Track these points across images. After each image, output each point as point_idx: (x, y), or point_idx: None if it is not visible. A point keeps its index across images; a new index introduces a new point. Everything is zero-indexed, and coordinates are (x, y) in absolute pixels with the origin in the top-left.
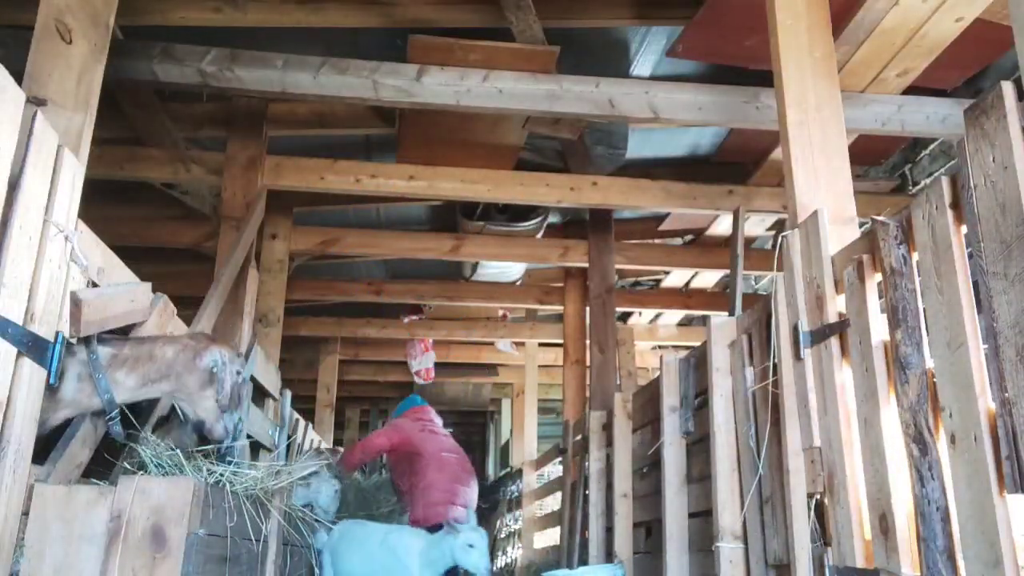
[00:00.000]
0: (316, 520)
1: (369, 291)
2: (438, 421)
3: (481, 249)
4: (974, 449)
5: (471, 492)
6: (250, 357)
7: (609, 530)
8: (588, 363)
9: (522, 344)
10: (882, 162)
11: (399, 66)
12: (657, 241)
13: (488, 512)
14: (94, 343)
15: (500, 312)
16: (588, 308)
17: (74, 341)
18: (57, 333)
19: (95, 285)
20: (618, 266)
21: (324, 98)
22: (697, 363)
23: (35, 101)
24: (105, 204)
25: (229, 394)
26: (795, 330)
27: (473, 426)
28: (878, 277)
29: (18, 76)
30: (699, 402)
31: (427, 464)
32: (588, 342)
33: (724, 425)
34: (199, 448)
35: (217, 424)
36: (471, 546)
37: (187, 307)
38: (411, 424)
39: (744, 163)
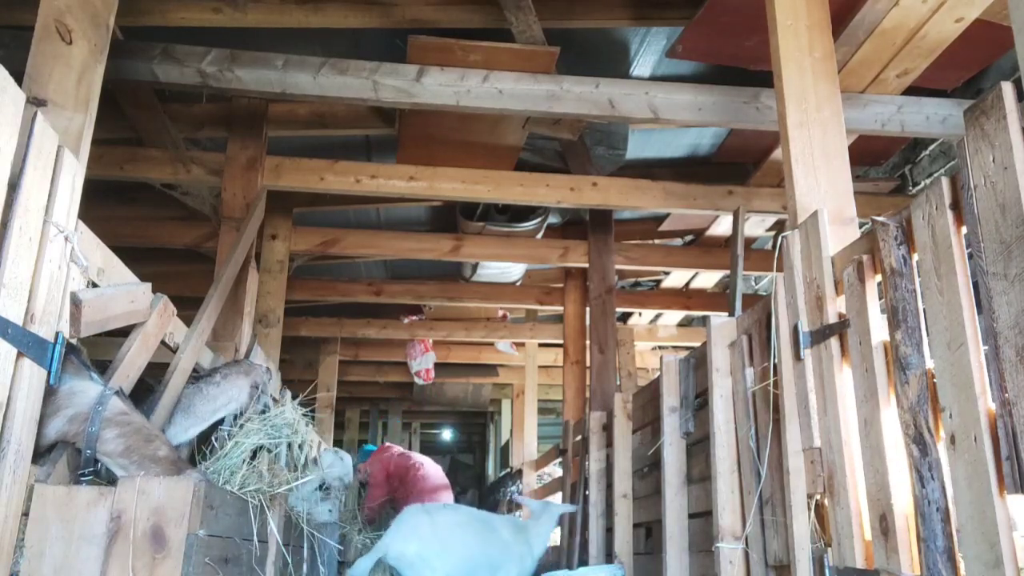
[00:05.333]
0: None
1: (369, 292)
2: (398, 448)
3: (481, 250)
4: (974, 449)
5: (450, 493)
6: (250, 358)
7: (609, 530)
8: (588, 363)
9: (522, 345)
10: (882, 162)
11: (399, 66)
12: (657, 242)
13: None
14: (112, 392)
15: (500, 312)
16: (588, 308)
17: (100, 381)
18: (57, 333)
19: (95, 285)
20: (618, 266)
21: (324, 99)
22: (697, 363)
23: (35, 101)
24: (105, 204)
25: None
26: (795, 330)
27: (473, 426)
28: (878, 278)
29: (18, 76)
30: (699, 402)
31: (413, 476)
32: (588, 342)
33: (724, 425)
34: None
35: None
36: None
37: (187, 307)
38: (382, 458)
39: (744, 163)
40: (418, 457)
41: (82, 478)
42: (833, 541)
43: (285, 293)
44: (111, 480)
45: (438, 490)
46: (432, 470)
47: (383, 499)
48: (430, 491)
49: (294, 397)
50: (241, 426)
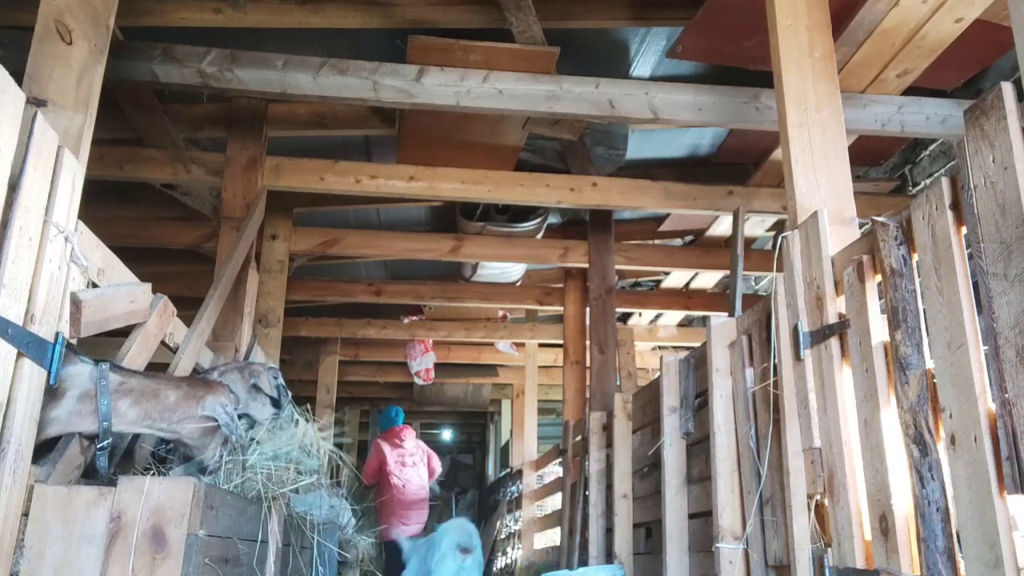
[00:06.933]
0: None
1: (369, 292)
2: (410, 444)
3: (481, 250)
4: (974, 450)
5: (423, 514)
6: (250, 358)
7: (609, 531)
8: (588, 364)
9: (522, 345)
10: (882, 163)
11: (399, 67)
12: (657, 242)
13: (488, 512)
14: (106, 365)
15: (500, 313)
16: (588, 309)
17: (89, 360)
18: (57, 334)
19: (95, 286)
20: (618, 267)
21: (324, 99)
22: (697, 364)
23: (35, 102)
24: (105, 205)
25: (236, 438)
26: (795, 331)
27: (473, 427)
28: (878, 278)
29: (18, 76)
30: (699, 403)
31: (390, 491)
32: (588, 343)
33: (724, 426)
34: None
35: (213, 463)
36: None
37: (187, 307)
38: (389, 448)
39: (744, 164)
40: (397, 474)
41: (99, 451)
42: (833, 541)
43: (285, 293)
44: (132, 448)
45: (412, 506)
46: (411, 491)
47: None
48: (403, 506)
49: (293, 397)
50: (252, 440)
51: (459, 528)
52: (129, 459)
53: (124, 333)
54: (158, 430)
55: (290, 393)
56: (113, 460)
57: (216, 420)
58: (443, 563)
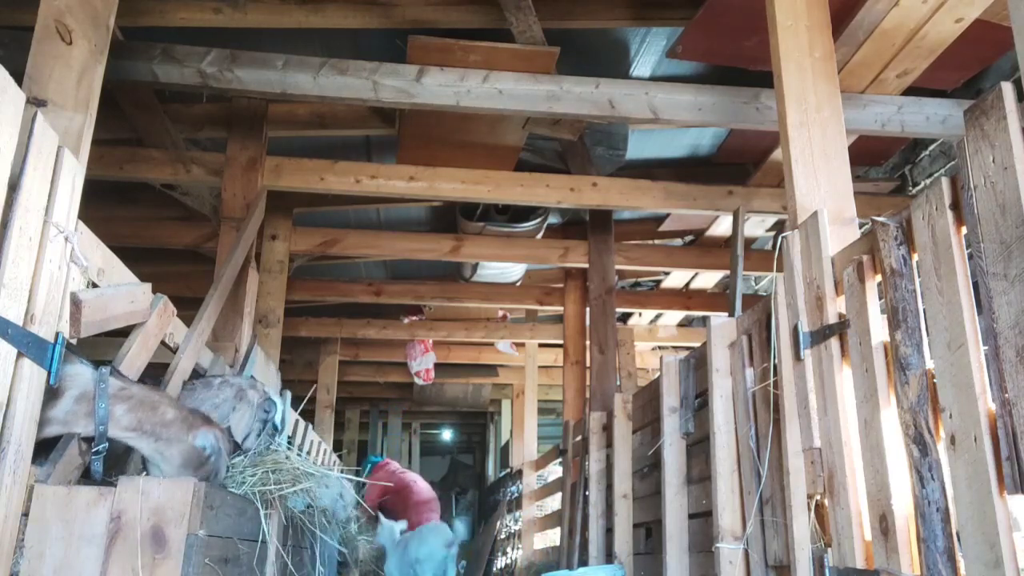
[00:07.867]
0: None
1: (369, 292)
2: (395, 464)
3: (481, 250)
4: (974, 450)
5: (437, 503)
6: (250, 358)
7: (609, 531)
8: (588, 364)
9: (522, 345)
10: (882, 163)
11: (399, 67)
12: (657, 242)
13: (488, 512)
14: (107, 369)
15: (500, 313)
16: (588, 309)
17: (89, 363)
18: (57, 334)
19: (95, 286)
20: (618, 267)
21: (324, 99)
22: (697, 364)
23: (35, 102)
24: (105, 205)
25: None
26: (795, 331)
27: (473, 426)
28: (878, 278)
29: (18, 76)
30: (699, 403)
31: (408, 491)
32: (588, 343)
33: (724, 426)
34: None
35: None
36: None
37: (187, 308)
38: (386, 477)
39: (744, 164)
40: (411, 476)
41: (95, 456)
42: (833, 541)
43: (285, 293)
44: (121, 455)
45: (429, 503)
46: (423, 487)
47: (374, 504)
48: (423, 503)
49: (294, 397)
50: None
51: (440, 530)
52: (124, 461)
53: (124, 333)
54: (145, 445)
55: (281, 429)
56: (107, 466)
57: (207, 454)
58: (430, 560)
